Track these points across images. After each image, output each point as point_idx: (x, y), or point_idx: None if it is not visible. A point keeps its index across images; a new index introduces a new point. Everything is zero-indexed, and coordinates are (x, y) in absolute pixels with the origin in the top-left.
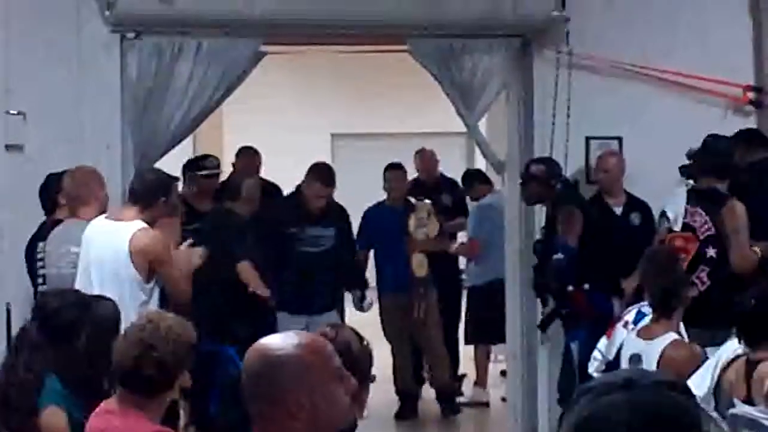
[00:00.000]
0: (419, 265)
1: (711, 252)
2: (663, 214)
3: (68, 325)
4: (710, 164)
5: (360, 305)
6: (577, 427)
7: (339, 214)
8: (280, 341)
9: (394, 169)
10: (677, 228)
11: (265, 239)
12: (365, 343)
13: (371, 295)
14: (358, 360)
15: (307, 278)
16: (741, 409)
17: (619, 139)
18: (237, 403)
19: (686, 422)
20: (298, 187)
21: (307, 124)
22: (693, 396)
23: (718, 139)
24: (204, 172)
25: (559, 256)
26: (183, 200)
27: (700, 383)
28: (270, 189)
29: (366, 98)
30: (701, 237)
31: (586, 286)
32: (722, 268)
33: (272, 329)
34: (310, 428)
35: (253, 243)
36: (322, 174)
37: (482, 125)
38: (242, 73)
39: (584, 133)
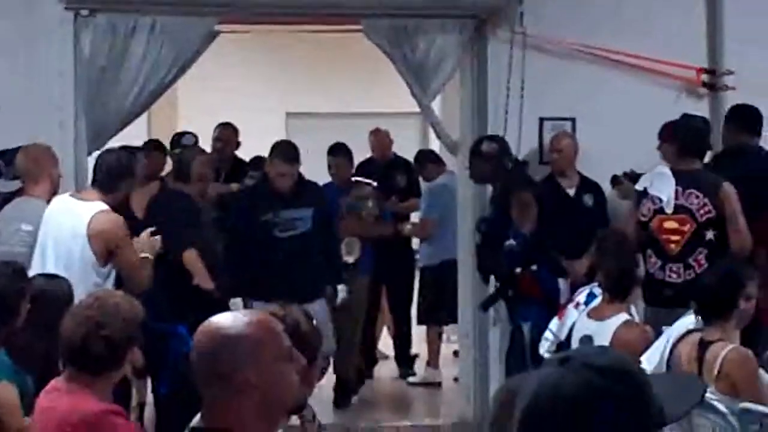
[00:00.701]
0: (347, 249)
1: (710, 235)
2: (645, 193)
3: (6, 299)
4: (692, 144)
5: (333, 301)
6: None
7: (315, 195)
8: (230, 320)
9: (333, 153)
10: (669, 210)
11: (237, 228)
12: (314, 322)
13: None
14: (306, 339)
15: (285, 264)
16: None
17: (573, 121)
18: (187, 383)
19: (586, 409)
20: (264, 172)
21: (261, 103)
22: (643, 381)
23: (695, 119)
24: (178, 150)
25: (512, 242)
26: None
27: (651, 356)
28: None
29: (321, 78)
30: (700, 219)
31: (534, 267)
32: (720, 250)
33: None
34: (260, 407)
35: (201, 223)
36: (282, 151)
37: (436, 105)
38: (196, 52)
39: (538, 114)
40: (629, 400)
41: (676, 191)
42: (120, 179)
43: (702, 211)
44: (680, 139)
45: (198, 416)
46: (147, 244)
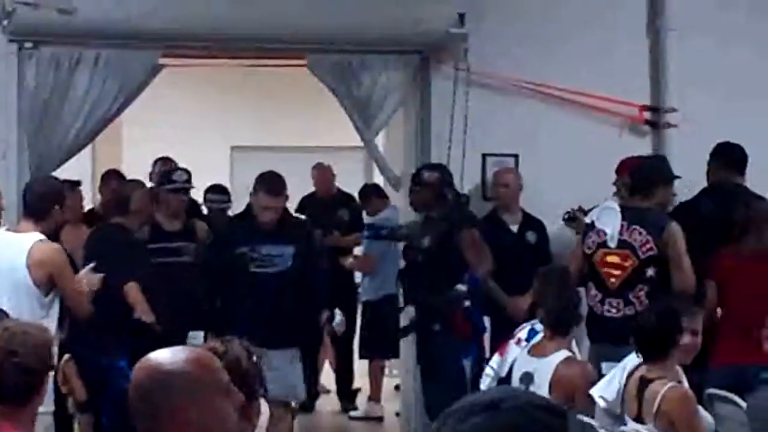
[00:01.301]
0: None
1: (651, 272)
2: (592, 226)
3: None
4: (642, 183)
5: (331, 327)
6: None
7: (298, 230)
8: (168, 356)
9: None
10: (613, 244)
11: (209, 261)
12: (254, 358)
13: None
14: (247, 375)
15: (260, 304)
16: (631, 426)
17: (516, 157)
18: (128, 417)
19: None
20: (249, 204)
21: (206, 137)
22: (565, 419)
23: (654, 158)
24: (170, 186)
25: (462, 288)
26: (153, 220)
27: (606, 387)
28: (195, 209)
29: (265, 112)
30: (642, 256)
31: (467, 303)
32: (661, 288)
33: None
34: None
35: (143, 258)
36: (266, 182)
37: (380, 140)
38: (140, 85)
39: (481, 150)
40: None
41: (622, 226)
42: (51, 204)
43: (644, 248)
44: (632, 176)
45: None
46: (88, 279)
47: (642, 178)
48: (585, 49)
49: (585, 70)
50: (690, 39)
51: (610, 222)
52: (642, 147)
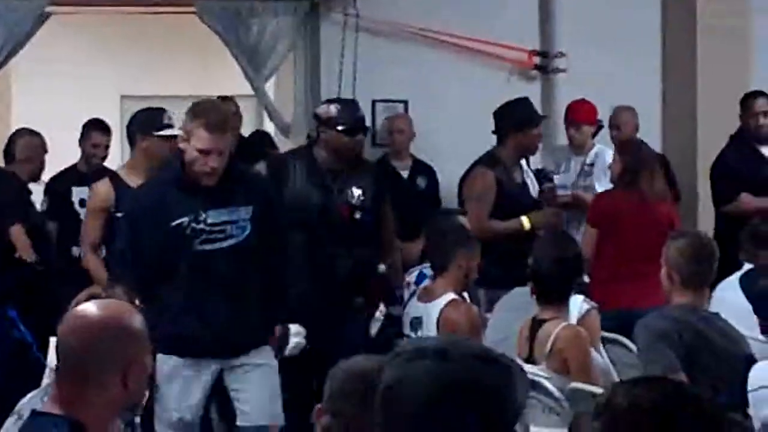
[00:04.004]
0: None
1: None
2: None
3: None
4: (496, 130)
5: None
6: (384, 389)
7: (256, 187)
8: (95, 312)
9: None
10: None
11: (133, 240)
12: (137, 303)
13: None
14: None
15: (208, 295)
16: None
17: (405, 103)
18: (22, 369)
19: (491, 397)
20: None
21: (95, 86)
22: (510, 372)
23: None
24: (165, 132)
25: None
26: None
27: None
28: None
29: (155, 60)
30: None
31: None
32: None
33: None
34: (120, 399)
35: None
36: (204, 115)
37: (270, 88)
38: (27, 34)
39: (371, 96)
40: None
41: None
42: None
43: None
44: None
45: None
46: None
47: (496, 126)
48: None
49: (475, 16)
50: None
51: None
52: (531, 92)
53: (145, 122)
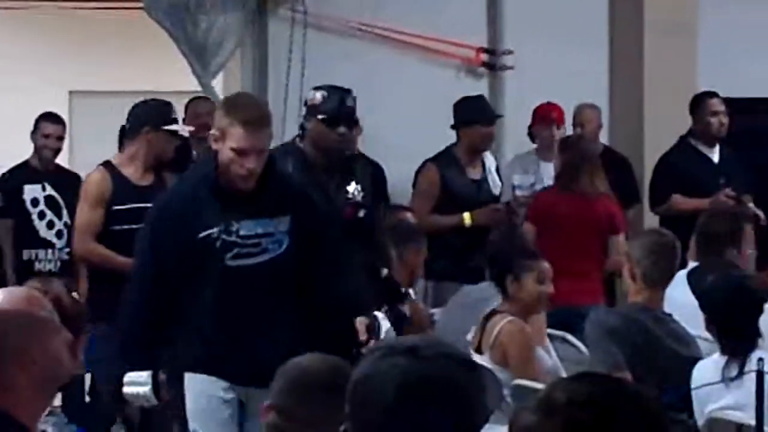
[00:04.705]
0: None
1: None
2: None
3: None
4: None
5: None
6: (355, 383)
7: (295, 195)
8: (5, 298)
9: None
10: None
11: (153, 253)
12: (75, 296)
13: None
14: (69, 313)
15: (239, 316)
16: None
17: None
18: None
19: (460, 396)
20: (215, 154)
21: (43, 82)
22: (481, 374)
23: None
24: (173, 127)
25: None
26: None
27: None
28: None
29: (104, 56)
30: None
31: None
32: None
33: None
34: (38, 383)
35: None
36: (242, 109)
37: (218, 84)
38: None
39: None
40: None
41: None
42: None
43: None
44: None
45: None
46: None
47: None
48: None
49: (423, 13)
50: None
51: None
52: (479, 89)
53: (155, 115)
